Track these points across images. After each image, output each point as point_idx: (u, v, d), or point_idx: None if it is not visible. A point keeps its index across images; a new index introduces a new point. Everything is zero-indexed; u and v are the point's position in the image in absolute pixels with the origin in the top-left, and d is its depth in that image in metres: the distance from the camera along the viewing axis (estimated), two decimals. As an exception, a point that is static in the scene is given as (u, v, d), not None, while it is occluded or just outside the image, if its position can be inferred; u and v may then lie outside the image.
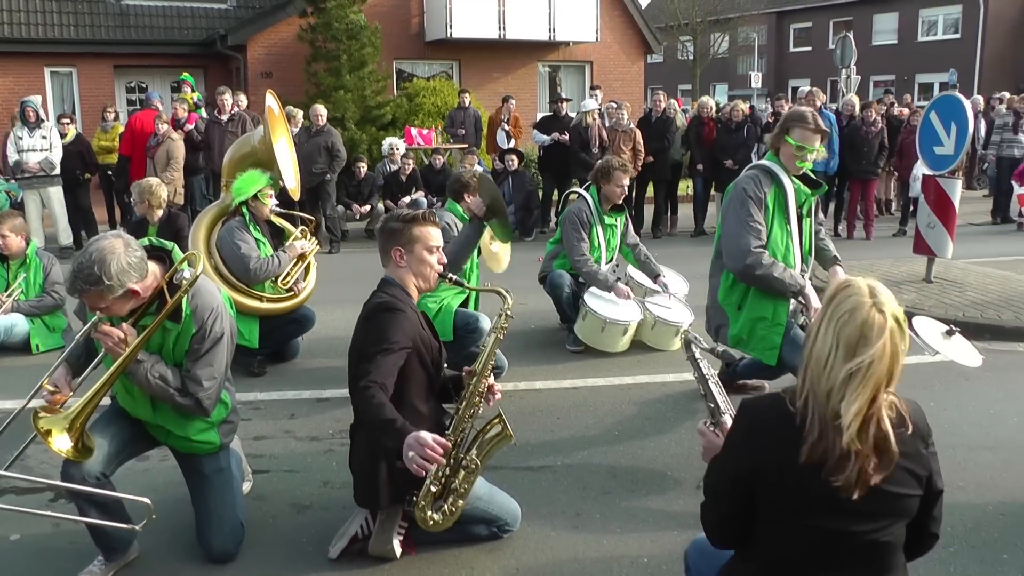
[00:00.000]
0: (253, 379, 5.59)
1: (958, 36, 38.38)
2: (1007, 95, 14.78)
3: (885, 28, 40.64)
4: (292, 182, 6.26)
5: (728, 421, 2.67)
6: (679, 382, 5.52)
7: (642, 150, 11.45)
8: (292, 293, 5.87)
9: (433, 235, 3.43)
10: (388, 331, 3.16)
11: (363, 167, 12.13)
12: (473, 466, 3.25)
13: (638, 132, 11.55)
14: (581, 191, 6.48)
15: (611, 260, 6.47)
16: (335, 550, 3.42)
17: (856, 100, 12.67)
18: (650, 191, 12.19)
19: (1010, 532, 3.63)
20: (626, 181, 6.30)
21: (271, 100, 6.13)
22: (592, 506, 3.88)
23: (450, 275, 3.63)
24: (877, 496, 2.02)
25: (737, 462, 2.14)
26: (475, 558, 3.43)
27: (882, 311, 1.97)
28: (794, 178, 4.47)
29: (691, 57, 35.03)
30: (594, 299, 6.05)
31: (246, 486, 3.94)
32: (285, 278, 5.84)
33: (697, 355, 3.08)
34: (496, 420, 3.38)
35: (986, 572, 3.34)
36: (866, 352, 1.94)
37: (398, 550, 3.39)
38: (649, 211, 12.27)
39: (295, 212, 6.42)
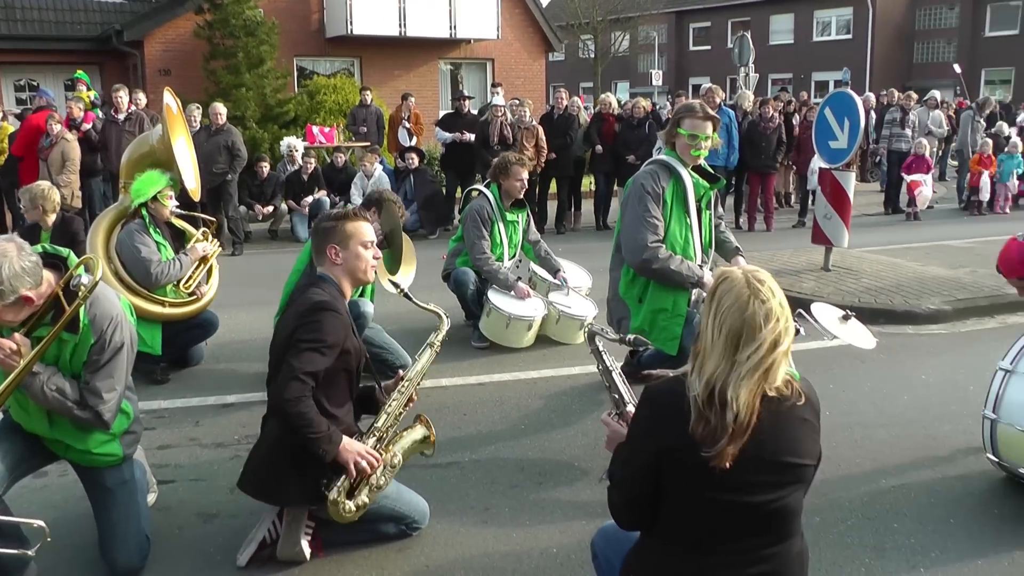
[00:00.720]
0: (156, 387, 5.40)
1: (850, 37, 40.14)
2: (897, 93, 15.49)
3: (782, 28, 42.16)
4: (192, 183, 6.08)
5: (632, 411, 2.73)
6: (584, 375, 5.56)
7: (544, 147, 11.55)
8: (195, 297, 5.70)
9: (366, 230, 3.40)
10: (323, 330, 3.14)
11: (265, 167, 11.85)
12: (396, 463, 3.36)
13: (540, 129, 11.63)
14: (482, 188, 6.46)
15: (514, 256, 6.48)
16: (243, 557, 3.34)
17: (750, 96, 13.10)
18: (553, 187, 12.30)
19: (901, 503, 3.81)
20: (525, 175, 6.30)
21: (169, 98, 5.94)
22: (501, 500, 3.89)
23: (404, 290, 3.77)
24: (780, 467, 2.11)
25: (642, 445, 2.20)
26: (385, 557, 3.40)
27: (764, 300, 2.05)
28: (692, 172, 4.56)
29: (592, 55, 35.49)
30: (498, 296, 6.05)
31: (151, 497, 3.80)
32: (187, 282, 5.66)
33: (601, 348, 3.13)
34: (420, 423, 3.52)
35: (879, 541, 3.50)
36: (752, 345, 2.03)
37: (307, 552, 3.34)
38: (553, 207, 12.37)
39: (196, 214, 6.22)
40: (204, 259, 5.80)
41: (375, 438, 3.33)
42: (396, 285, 3.86)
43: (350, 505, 3.22)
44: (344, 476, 3.19)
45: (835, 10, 40.66)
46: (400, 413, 3.44)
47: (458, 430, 4.72)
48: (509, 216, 6.35)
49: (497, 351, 6.08)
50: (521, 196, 6.36)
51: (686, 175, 4.49)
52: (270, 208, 11.73)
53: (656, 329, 4.51)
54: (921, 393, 5.25)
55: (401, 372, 3.54)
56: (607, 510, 3.57)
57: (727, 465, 2.04)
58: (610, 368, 3.07)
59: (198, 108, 11.14)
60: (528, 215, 6.59)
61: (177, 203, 5.80)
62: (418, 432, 3.55)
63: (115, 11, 17.62)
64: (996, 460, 3.94)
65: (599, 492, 3.87)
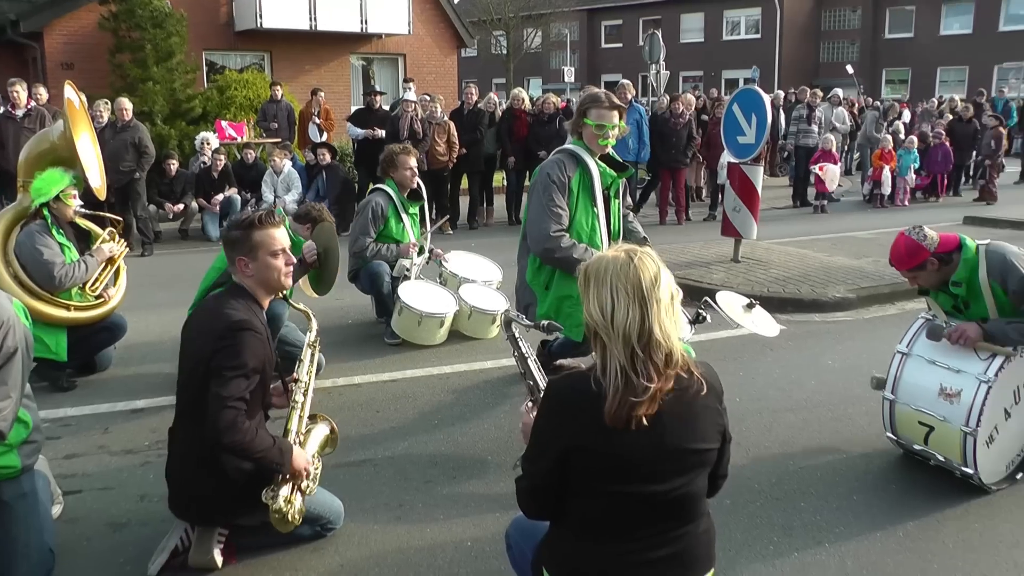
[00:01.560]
0: (62, 394, 5.17)
1: (759, 36, 41.33)
2: (807, 90, 16.00)
3: (692, 27, 43.14)
4: (97, 181, 5.85)
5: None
6: (497, 369, 5.58)
7: (456, 142, 11.52)
8: (101, 300, 5.48)
9: (277, 237, 3.25)
10: (244, 354, 3.04)
11: (174, 164, 11.51)
12: (317, 464, 3.43)
13: (452, 124, 11.62)
14: (382, 185, 6.37)
15: (422, 252, 6.45)
16: (155, 566, 3.23)
17: (692, 99, 13.41)
18: (465, 183, 12.27)
19: (807, 483, 3.94)
20: (413, 163, 6.25)
21: (71, 92, 5.70)
22: (414, 496, 3.87)
23: (292, 304, 3.72)
24: (683, 454, 2.16)
25: (548, 438, 2.22)
26: (299, 559, 3.35)
27: (642, 269, 2.14)
28: (600, 161, 4.58)
29: (505, 52, 35.62)
30: (409, 293, 6.01)
31: (56, 509, 3.62)
32: (93, 284, 5.44)
33: (517, 334, 3.14)
34: (321, 420, 3.52)
35: (787, 520, 3.61)
36: (656, 288, 2.13)
37: (219, 560, 3.25)
38: (465, 203, 12.35)
39: (102, 213, 5.99)
40: (111, 260, 5.59)
41: (297, 443, 3.29)
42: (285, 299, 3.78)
43: (294, 512, 3.17)
44: (283, 484, 3.13)
45: (744, 10, 41.83)
46: (307, 414, 3.43)
47: (371, 427, 4.67)
48: (411, 208, 6.33)
49: (409, 348, 6.04)
50: (415, 185, 6.32)
51: (592, 164, 4.51)
52: (180, 206, 11.41)
53: (562, 316, 4.53)
54: (827, 378, 5.44)
55: (294, 374, 3.50)
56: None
57: (646, 415, 2.09)
58: (526, 355, 3.08)
59: (106, 103, 10.74)
60: (422, 205, 6.55)
61: (81, 203, 5.59)
62: (323, 429, 3.53)
63: (9, 0, 16.83)
64: (894, 438, 4.13)
65: (512, 484, 3.88)
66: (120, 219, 6.09)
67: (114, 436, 4.61)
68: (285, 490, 3.14)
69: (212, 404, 2.99)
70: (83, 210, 5.59)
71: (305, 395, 3.43)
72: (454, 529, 3.58)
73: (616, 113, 4.46)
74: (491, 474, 4.09)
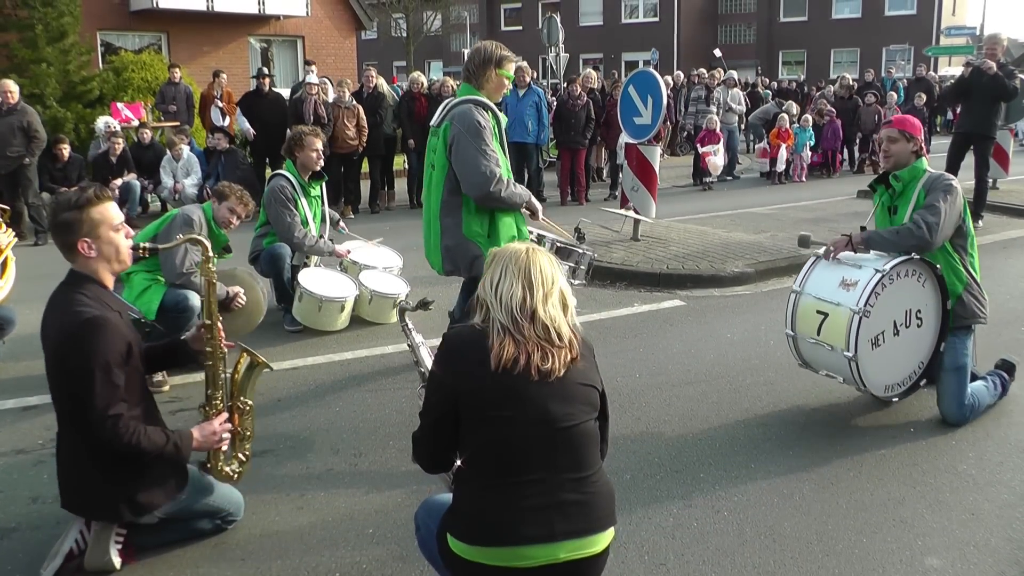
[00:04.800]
0: (-55, 393, 4.95)
1: (657, 20, 42.07)
2: (707, 72, 16.38)
3: (591, 11, 43.55)
4: None
5: None
6: (398, 354, 5.53)
7: (365, 126, 11.39)
8: None
9: (113, 212, 3.09)
10: (100, 352, 2.88)
11: (66, 148, 11.01)
12: (247, 407, 3.41)
13: (360, 108, 11.47)
14: (280, 171, 6.25)
15: (321, 236, 6.34)
16: (48, 572, 3.07)
17: (594, 75, 13.55)
18: (365, 167, 12.14)
19: (706, 454, 4.04)
20: (319, 145, 6.17)
21: None
22: (316, 485, 3.81)
23: (143, 246, 3.29)
24: (569, 386, 2.40)
25: (442, 383, 2.43)
26: (200, 555, 3.26)
27: (533, 260, 2.48)
28: None
29: (405, 34, 35.26)
30: (308, 278, 5.92)
31: (-65, 518, 3.46)
32: None
33: (410, 325, 3.17)
34: (243, 355, 3.41)
35: (686, 491, 3.69)
36: (540, 277, 2.46)
37: (117, 561, 3.12)
38: (366, 187, 12.19)
39: None
40: None
41: (217, 400, 3.31)
42: (137, 249, 3.34)
43: (235, 467, 3.33)
44: (215, 458, 3.26)
45: (642, -7, 42.53)
46: (222, 362, 3.31)
47: (272, 417, 4.57)
48: (312, 191, 6.24)
49: (310, 335, 5.94)
50: (318, 167, 6.23)
51: (496, 111, 4.51)
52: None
53: None
54: (726, 350, 5.60)
55: (198, 321, 3.36)
56: (422, 485, 3.62)
57: (536, 372, 2.34)
58: (418, 343, 3.15)
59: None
60: (322, 186, 6.46)
61: None
62: (245, 363, 3.40)
63: None
64: (791, 334, 4.43)
65: (414, 470, 3.82)
66: (6, 207, 5.78)
67: (4, 435, 4.40)
68: (218, 456, 3.29)
69: (88, 413, 2.86)
70: None
71: (213, 343, 3.27)
72: (356, 517, 3.54)
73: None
74: (392, 460, 4.06)
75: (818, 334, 4.25)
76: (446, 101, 4.64)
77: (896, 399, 4.38)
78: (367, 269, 6.38)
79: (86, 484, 3.07)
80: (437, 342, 2.96)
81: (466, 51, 38.32)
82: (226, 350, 3.37)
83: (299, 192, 6.13)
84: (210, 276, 3.30)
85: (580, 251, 4.87)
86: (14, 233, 5.54)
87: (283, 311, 6.18)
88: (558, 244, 4.77)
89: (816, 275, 4.38)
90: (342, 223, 6.74)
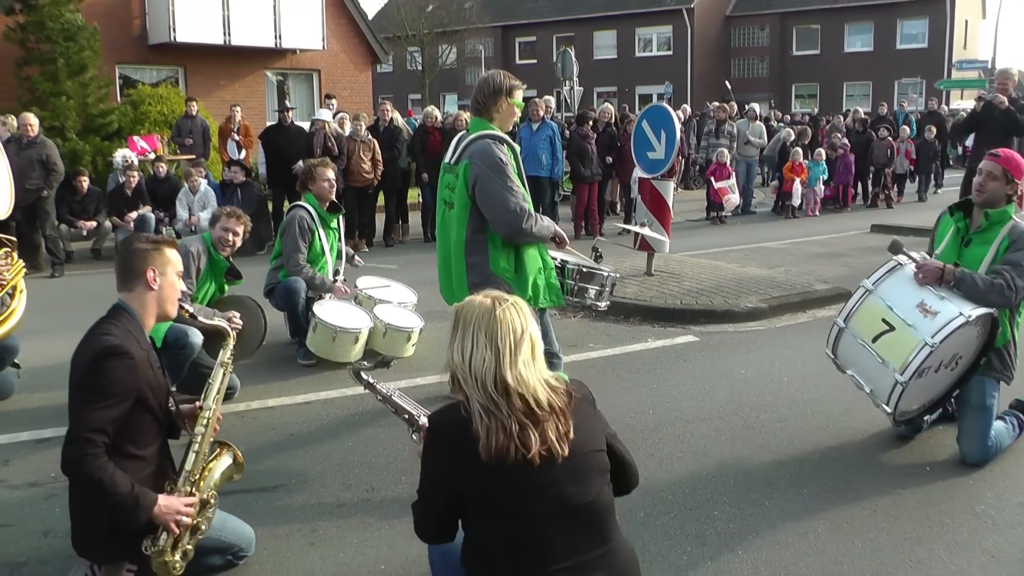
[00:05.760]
0: (-40, 425, 4.97)
1: (671, 53, 42.43)
2: (711, 105, 16.47)
3: (605, 44, 43.99)
4: (3, 203, 5.55)
5: (425, 422, 2.79)
6: (412, 388, 5.50)
7: (380, 160, 11.49)
8: None
9: (179, 261, 3.28)
10: (108, 381, 2.89)
11: (85, 181, 11.15)
12: (212, 500, 3.17)
13: (376, 142, 11.58)
14: (301, 202, 6.35)
15: (338, 272, 6.42)
16: None
17: (612, 109, 13.63)
18: (381, 200, 12.22)
19: (720, 492, 3.99)
20: (331, 174, 6.28)
21: None
22: (328, 520, 3.80)
23: (187, 308, 3.47)
24: (575, 459, 2.23)
25: (440, 478, 2.29)
26: (210, 591, 3.24)
27: (502, 319, 2.27)
28: None
29: (420, 68, 35.67)
30: (323, 309, 5.94)
31: (-53, 550, 3.47)
32: None
33: (371, 380, 3.10)
34: (225, 449, 3.31)
35: (700, 529, 3.65)
36: (509, 336, 2.25)
37: None
38: (381, 220, 12.29)
39: None
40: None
41: (189, 483, 3.11)
42: (183, 307, 3.51)
43: (177, 558, 3.00)
44: (164, 533, 2.97)
45: (656, 28, 42.91)
46: (208, 448, 3.22)
47: (284, 451, 4.57)
48: (330, 223, 6.32)
49: (324, 369, 5.94)
50: (332, 197, 6.32)
51: (512, 144, 4.49)
52: (93, 224, 11.05)
53: (542, 289, 4.48)
54: (740, 387, 5.56)
55: (198, 402, 3.26)
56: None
57: (538, 456, 2.15)
58: (388, 394, 3.07)
59: (3, 119, 10.33)
60: (339, 219, 6.54)
61: None
62: (225, 460, 3.32)
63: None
64: (842, 326, 4.28)
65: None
66: (13, 239, 5.74)
67: (16, 468, 4.40)
68: (165, 538, 2.97)
69: (70, 428, 2.85)
70: None
71: (207, 426, 3.19)
72: (368, 553, 3.52)
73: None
74: (406, 496, 4.01)
75: (874, 342, 4.11)
76: (459, 136, 4.63)
77: (898, 424, 4.35)
78: (382, 303, 6.40)
79: (88, 523, 3.02)
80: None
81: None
82: (215, 432, 3.27)
83: (317, 223, 6.19)
84: (227, 368, 3.36)
85: (604, 273, 4.90)
86: (23, 264, 5.53)
87: (297, 345, 6.19)
88: (583, 268, 4.77)
89: (895, 283, 4.21)
90: (357, 257, 6.80)
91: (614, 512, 2.34)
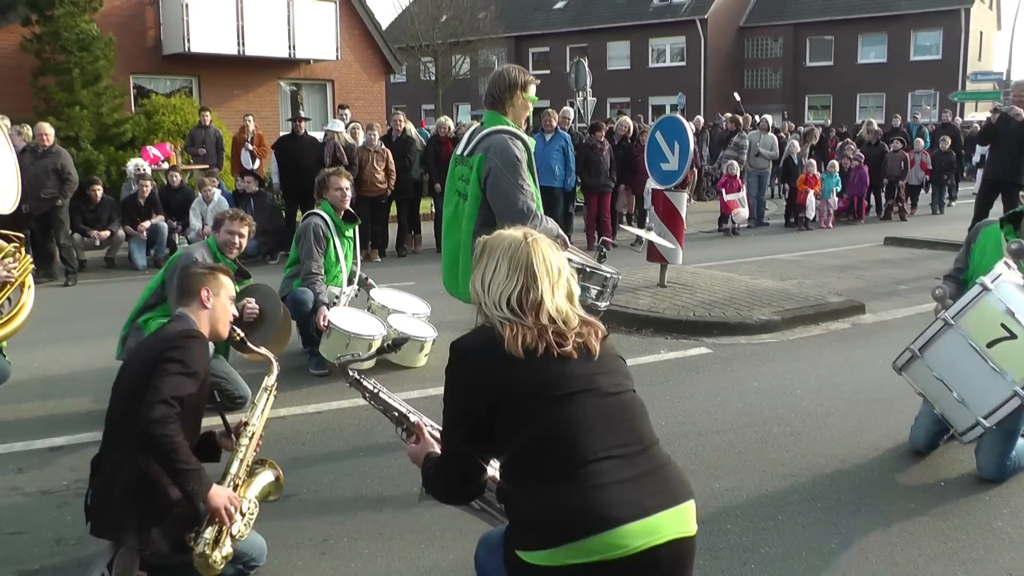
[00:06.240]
0: (-27, 433, 4.99)
1: (684, 64, 42.44)
2: (739, 118, 16.40)
3: (618, 54, 44.04)
4: (8, 200, 5.47)
5: (416, 420, 2.73)
6: (424, 398, 5.47)
7: (393, 170, 11.53)
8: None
9: (232, 287, 3.55)
10: (191, 356, 3.10)
11: (99, 190, 11.24)
12: (253, 509, 3.29)
13: (389, 152, 11.62)
14: (317, 210, 6.36)
15: (352, 282, 6.42)
16: None
17: (630, 123, 13.64)
18: (393, 210, 12.25)
19: (733, 505, 3.97)
20: (344, 184, 6.28)
21: None
22: (339, 530, 3.80)
23: (237, 331, 3.71)
24: (607, 359, 2.24)
25: (471, 386, 2.21)
26: (219, 600, 3.23)
27: (533, 248, 2.29)
28: None
29: (433, 78, 35.79)
30: (337, 316, 5.94)
31: (-40, 558, 3.49)
32: None
33: (358, 376, 3.01)
34: (268, 467, 3.46)
35: (713, 542, 3.61)
36: (536, 285, 2.26)
37: None
38: (394, 230, 12.32)
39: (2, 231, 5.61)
40: (6, 284, 5.21)
41: (232, 485, 3.21)
42: (233, 329, 3.69)
43: (217, 556, 3.04)
44: (209, 527, 3.04)
45: (669, 39, 42.94)
46: (251, 459, 3.36)
47: (296, 461, 4.56)
48: (346, 232, 6.32)
49: (335, 378, 5.89)
50: (347, 206, 6.32)
51: (527, 140, 4.46)
52: (106, 233, 11.13)
53: None
54: (753, 399, 5.54)
55: (243, 418, 3.44)
56: (446, 532, 3.57)
57: (573, 351, 2.17)
58: (375, 391, 2.99)
59: (20, 127, 10.40)
60: (357, 228, 6.55)
61: None
62: (268, 476, 3.45)
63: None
64: (948, 321, 3.98)
65: (438, 513, 3.82)
66: (21, 235, 5.68)
67: (29, 476, 4.42)
68: (209, 533, 3.04)
69: (149, 395, 2.95)
70: None
71: (251, 440, 3.35)
72: (378, 563, 3.52)
73: None
74: (416, 506, 4.02)
75: (989, 347, 3.86)
76: (472, 128, 4.65)
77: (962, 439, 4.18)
78: (396, 313, 6.40)
79: (115, 504, 3.07)
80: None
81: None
82: (257, 450, 3.42)
83: (333, 231, 6.20)
84: (271, 391, 3.58)
85: (607, 274, 4.85)
86: (31, 259, 5.45)
87: (308, 355, 6.20)
88: (585, 268, 4.76)
89: (1016, 288, 3.96)
90: (370, 280, 6.71)
91: (648, 419, 2.26)
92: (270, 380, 3.58)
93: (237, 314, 3.51)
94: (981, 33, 41.26)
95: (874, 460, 4.52)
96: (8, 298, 5.15)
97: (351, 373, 2.99)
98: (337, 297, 6.19)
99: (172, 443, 2.92)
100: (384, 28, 23.38)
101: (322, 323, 5.87)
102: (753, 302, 7.92)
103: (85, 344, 6.64)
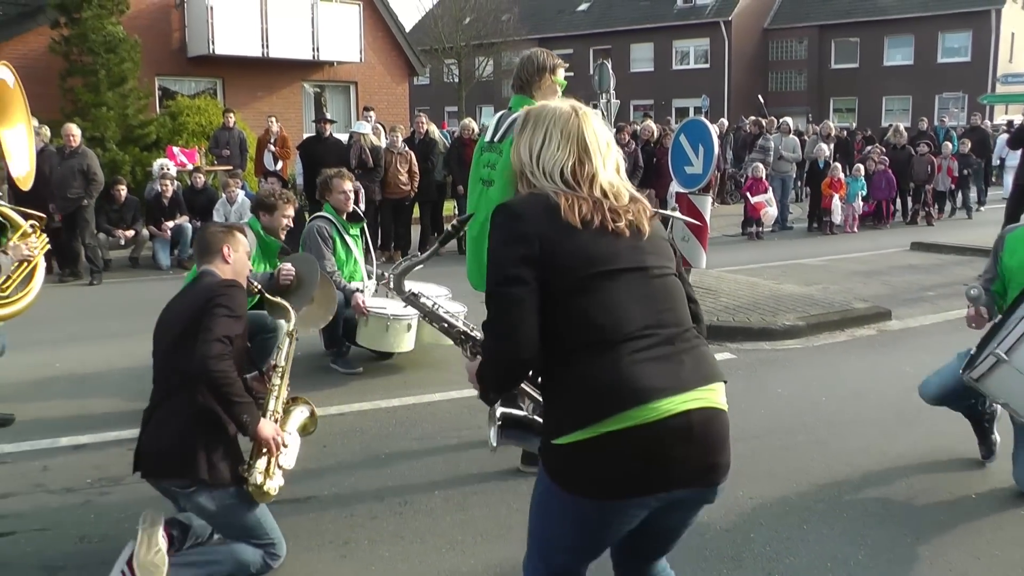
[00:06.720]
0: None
1: (708, 66, 42.21)
2: (763, 121, 16.31)
3: (642, 56, 43.87)
4: (24, 168, 5.34)
5: (479, 334, 2.47)
6: (446, 401, 5.52)
7: (417, 172, 11.54)
8: (11, 299, 4.92)
9: (248, 244, 3.77)
10: (235, 301, 3.32)
11: (123, 190, 11.34)
12: (292, 443, 3.57)
13: (413, 154, 11.63)
14: (321, 212, 6.36)
15: (372, 275, 6.40)
16: None
17: (655, 127, 13.55)
18: (416, 212, 12.26)
19: (757, 514, 3.91)
20: (348, 186, 6.21)
21: (3, 72, 5.25)
22: (360, 533, 3.79)
23: (254, 283, 4.01)
24: (655, 239, 2.20)
25: (512, 252, 2.10)
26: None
27: (584, 121, 2.25)
28: None
29: (457, 80, 35.83)
30: (373, 300, 5.95)
31: (-14, 554, 3.53)
32: (4, 283, 4.91)
33: (414, 290, 2.79)
34: (301, 402, 3.73)
35: (736, 551, 3.58)
36: (589, 157, 2.21)
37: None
38: (417, 232, 12.32)
39: (24, 209, 5.51)
40: (27, 260, 5.05)
41: (273, 420, 3.46)
42: (250, 282, 3.94)
43: (272, 486, 3.32)
44: (259, 458, 3.31)
45: (693, 40, 42.70)
46: (285, 395, 3.60)
47: (317, 462, 4.56)
48: (351, 230, 6.29)
49: (357, 379, 5.97)
50: (350, 209, 6.27)
51: None
52: (131, 233, 11.23)
53: None
54: (777, 406, 5.48)
55: (271, 361, 3.74)
56: (467, 536, 3.53)
57: (625, 228, 2.14)
58: (434, 307, 2.76)
59: (40, 127, 10.49)
60: (364, 227, 6.54)
61: (1, 192, 5.24)
62: (303, 411, 3.72)
63: (-44, 22, 16.48)
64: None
65: (460, 518, 3.90)
66: (43, 215, 5.69)
67: (53, 474, 4.46)
68: (261, 463, 3.31)
69: (202, 335, 3.15)
70: (3, 203, 5.30)
71: (282, 379, 3.59)
72: (399, 567, 3.50)
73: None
74: (439, 509, 4.02)
75: None
76: (499, 113, 4.58)
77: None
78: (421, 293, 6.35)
79: (180, 442, 3.19)
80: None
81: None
82: (288, 388, 3.64)
83: (338, 231, 6.19)
84: (291, 337, 3.79)
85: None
86: (47, 239, 5.34)
87: (332, 356, 6.21)
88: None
89: None
90: (386, 273, 6.73)
91: (686, 304, 2.24)
92: (289, 326, 3.82)
93: (252, 270, 3.75)
94: (1013, 34, 40.60)
95: (902, 471, 4.43)
96: (23, 277, 5.14)
97: (406, 289, 2.77)
98: (361, 291, 6.17)
99: (228, 377, 3.15)
100: (408, 30, 23.47)
101: (362, 307, 5.84)
102: (777, 307, 7.85)
103: (110, 343, 6.69)
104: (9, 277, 4.96)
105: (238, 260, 3.61)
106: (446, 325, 2.67)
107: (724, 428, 2.17)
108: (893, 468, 4.46)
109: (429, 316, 2.74)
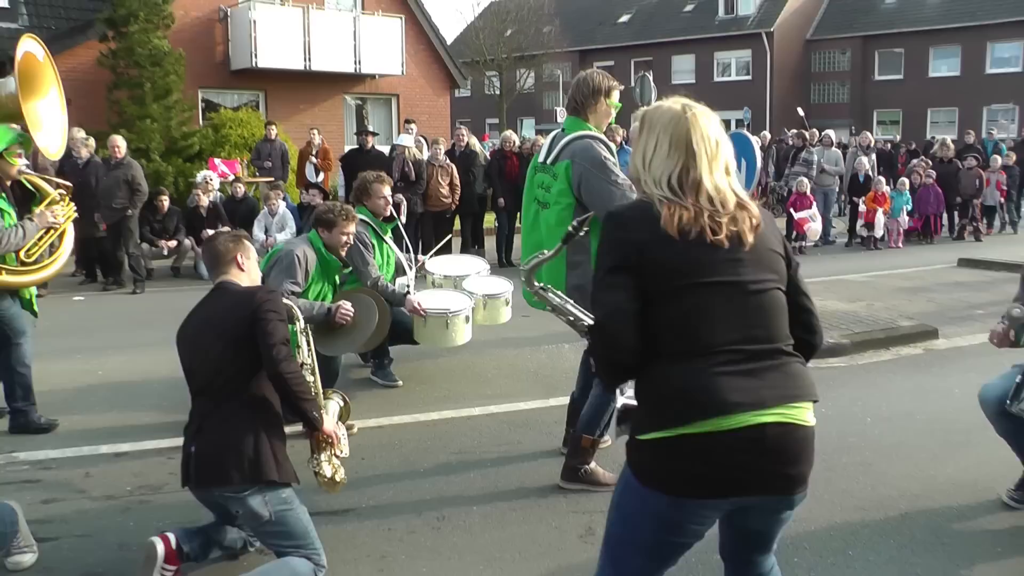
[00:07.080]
0: (43, 436, 5.09)
1: (749, 78, 41.87)
2: (788, 132, 16.14)
3: (683, 68, 43.64)
4: (52, 144, 5.40)
5: None
6: (485, 415, 5.50)
7: (458, 184, 11.57)
8: (39, 265, 5.10)
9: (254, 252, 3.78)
10: (279, 304, 3.43)
11: (166, 200, 11.53)
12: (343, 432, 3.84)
13: (454, 167, 11.67)
14: (360, 216, 6.30)
15: (412, 268, 6.36)
16: None
17: None
18: (457, 224, 12.27)
19: (801, 537, 3.81)
20: (386, 191, 6.13)
21: (31, 45, 5.24)
22: (397, 547, 3.77)
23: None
24: (758, 251, 2.20)
25: (616, 255, 2.19)
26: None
27: (692, 123, 2.26)
28: None
29: (498, 92, 35.94)
30: (426, 299, 5.84)
31: (29, 557, 3.53)
32: (29, 251, 5.03)
33: (543, 287, 2.87)
34: (331, 393, 3.98)
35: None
36: (695, 162, 2.22)
37: None
38: (457, 244, 12.28)
39: (51, 178, 5.53)
40: (53, 228, 5.18)
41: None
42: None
43: (338, 476, 3.67)
44: (321, 451, 3.60)
45: (734, 52, 42.40)
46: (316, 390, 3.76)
47: (355, 475, 4.51)
48: (386, 234, 6.24)
49: (396, 393, 5.97)
50: (388, 213, 6.19)
51: (610, 144, 4.39)
52: (173, 243, 11.40)
53: None
54: (821, 427, 5.19)
55: (298, 360, 3.72)
56: (505, 553, 3.51)
57: (725, 240, 2.14)
58: (562, 302, 2.84)
59: (87, 138, 10.71)
60: (399, 226, 6.51)
61: (27, 162, 5.23)
62: (337, 401, 3.98)
63: (9, 37, 16.87)
64: None
65: (497, 536, 3.86)
66: (70, 184, 5.61)
67: (95, 481, 4.51)
68: (325, 455, 3.62)
69: (265, 341, 3.25)
70: (29, 171, 5.34)
71: (314, 375, 3.76)
72: (437, 583, 3.49)
73: None
74: (476, 526, 3.99)
75: None
76: (553, 135, 4.55)
77: None
78: (464, 278, 6.29)
79: (246, 447, 3.23)
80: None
81: (558, 109, 38.56)
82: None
83: (376, 235, 6.16)
84: (306, 334, 3.88)
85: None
86: (75, 208, 5.41)
87: (372, 368, 6.22)
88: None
89: None
90: (421, 257, 6.66)
91: (786, 318, 2.24)
92: (300, 324, 3.85)
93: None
94: (1064, 44, 39.76)
95: (952, 496, 4.29)
96: (51, 243, 5.21)
97: (536, 284, 2.85)
98: (407, 286, 6.09)
99: (299, 378, 3.35)
100: (449, 43, 23.60)
101: (419, 309, 5.75)
102: (821, 324, 7.68)
103: (151, 351, 6.75)
104: (36, 243, 5.04)
105: (252, 267, 3.63)
106: (572, 318, 2.78)
107: (803, 442, 2.20)
108: (943, 494, 4.32)
109: (557, 310, 2.86)
